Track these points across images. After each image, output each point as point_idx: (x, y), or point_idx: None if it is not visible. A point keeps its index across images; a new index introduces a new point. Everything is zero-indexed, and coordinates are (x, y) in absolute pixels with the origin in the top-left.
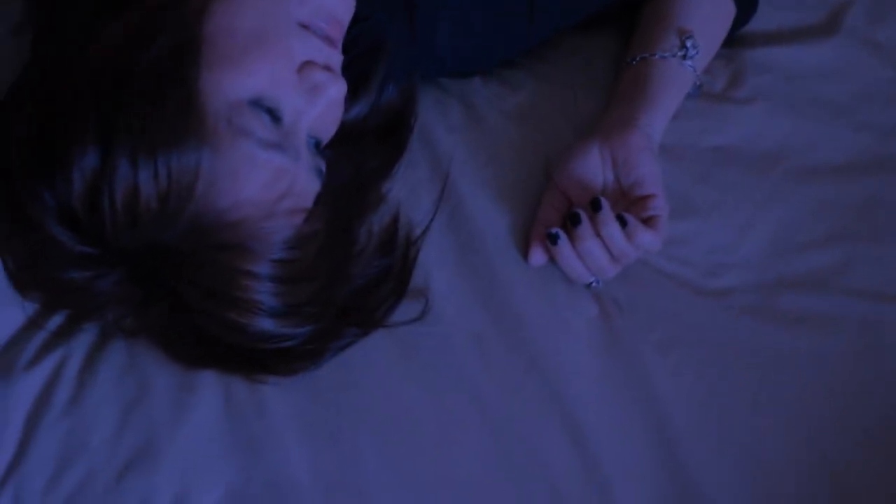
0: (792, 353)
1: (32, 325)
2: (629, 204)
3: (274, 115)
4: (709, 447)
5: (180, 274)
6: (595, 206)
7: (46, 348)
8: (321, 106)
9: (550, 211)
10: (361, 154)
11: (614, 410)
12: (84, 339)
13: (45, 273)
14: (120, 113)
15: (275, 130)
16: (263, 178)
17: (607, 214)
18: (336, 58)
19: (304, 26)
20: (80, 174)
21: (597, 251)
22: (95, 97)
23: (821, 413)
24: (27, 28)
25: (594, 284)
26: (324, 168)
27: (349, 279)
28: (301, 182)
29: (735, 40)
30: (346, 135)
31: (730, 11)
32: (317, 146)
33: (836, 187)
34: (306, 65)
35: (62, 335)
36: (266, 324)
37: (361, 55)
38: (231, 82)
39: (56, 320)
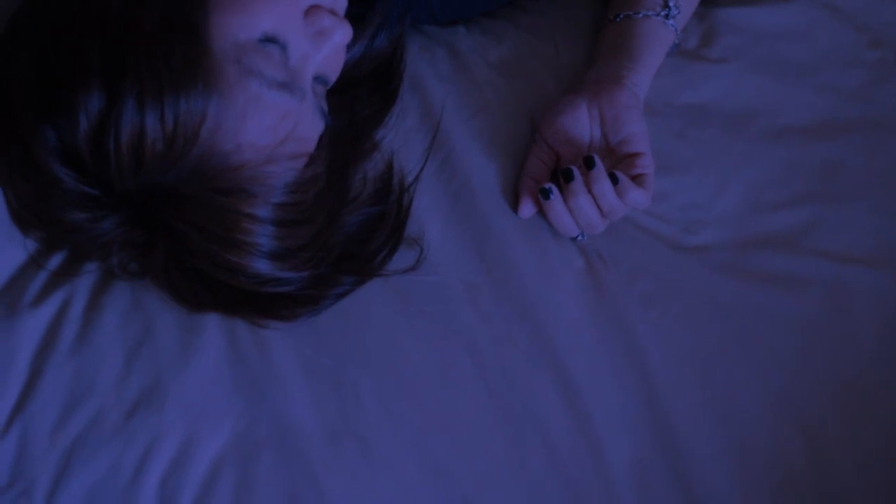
0: (765, 310)
1: (34, 262)
2: (616, 161)
3: (283, 51)
4: (688, 398)
5: (182, 216)
6: (589, 164)
7: (51, 286)
8: (327, 50)
9: (537, 163)
10: (354, 101)
11: (601, 361)
12: (88, 278)
13: (48, 212)
14: (128, 55)
15: (283, 69)
16: (269, 120)
17: (600, 172)
18: (341, 2)
19: None
20: (86, 115)
21: (588, 207)
22: (103, 39)
23: (792, 369)
24: None
25: (579, 238)
26: (327, 109)
27: (345, 225)
28: (305, 124)
29: None
30: (339, 81)
31: None
32: (324, 85)
33: (802, 149)
34: (313, 8)
35: (66, 273)
36: (264, 266)
37: (357, 1)
38: (240, 23)
39: (58, 258)
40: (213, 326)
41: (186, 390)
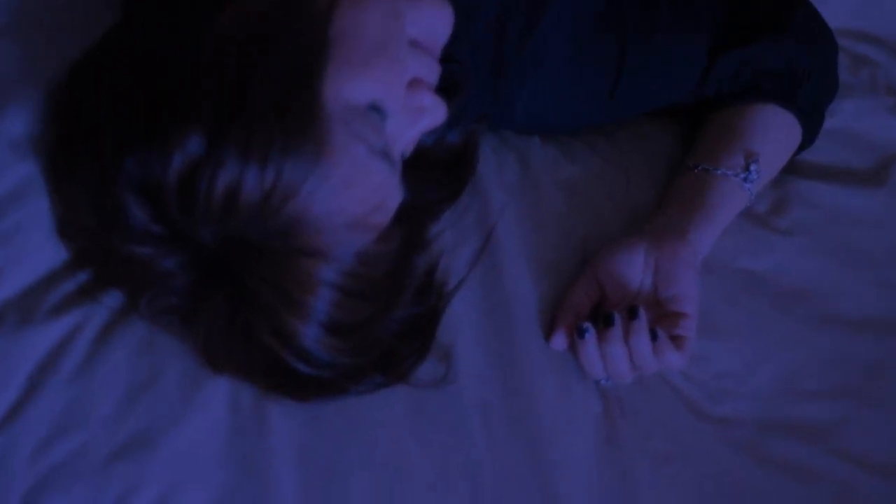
0: (772, 498)
1: (63, 272)
2: (660, 315)
3: (382, 120)
4: None
5: (256, 270)
6: (632, 314)
7: (69, 303)
8: (421, 128)
9: (581, 296)
10: (419, 190)
11: None
12: (108, 302)
13: (103, 238)
14: (240, 107)
15: (382, 137)
16: (367, 187)
17: (642, 326)
18: (435, 76)
19: (414, 44)
20: (182, 154)
21: (620, 356)
22: (216, 83)
23: None
24: None
25: (603, 382)
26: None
27: (394, 316)
28: (392, 196)
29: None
30: (408, 164)
31: (797, 141)
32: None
33: (850, 342)
34: (415, 82)
35: (90, 294)
36: (317, 337)
37: (440, 90)
38: (353, 86)
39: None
40: (219, 385)
41: (177, 446)
